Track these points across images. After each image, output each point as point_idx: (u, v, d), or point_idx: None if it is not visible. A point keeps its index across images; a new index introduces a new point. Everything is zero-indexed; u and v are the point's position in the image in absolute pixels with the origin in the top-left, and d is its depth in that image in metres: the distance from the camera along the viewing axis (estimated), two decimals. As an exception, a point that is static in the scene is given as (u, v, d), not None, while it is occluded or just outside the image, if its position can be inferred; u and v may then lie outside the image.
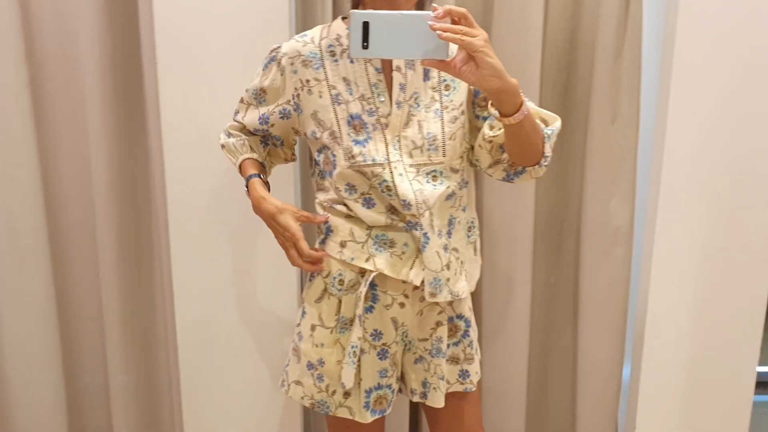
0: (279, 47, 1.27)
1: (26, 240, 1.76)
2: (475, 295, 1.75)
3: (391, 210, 1.23)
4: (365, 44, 1.02)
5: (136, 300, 1.82)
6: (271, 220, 1.25)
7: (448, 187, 1.23)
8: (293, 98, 1.26)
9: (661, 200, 1.61)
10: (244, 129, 1.36)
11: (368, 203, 1.23)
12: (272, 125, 1.31)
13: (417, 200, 1.20)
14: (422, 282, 1.23)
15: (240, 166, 1.33)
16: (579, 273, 1.74)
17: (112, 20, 1.63)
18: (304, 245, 1.23)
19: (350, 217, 1.25)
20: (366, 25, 1.01)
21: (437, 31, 0.98)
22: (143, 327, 1.84)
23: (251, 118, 1.32)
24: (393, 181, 1.19)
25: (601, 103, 1.62)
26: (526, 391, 1.81)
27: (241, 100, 1.34)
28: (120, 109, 1.69)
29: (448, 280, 1.25)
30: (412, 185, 1.20)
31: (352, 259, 1.24)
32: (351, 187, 1.23)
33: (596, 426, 1.80)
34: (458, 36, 0.99)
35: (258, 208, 1.27)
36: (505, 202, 1.68)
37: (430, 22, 0.99)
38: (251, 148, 1.34)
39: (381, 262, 1.23)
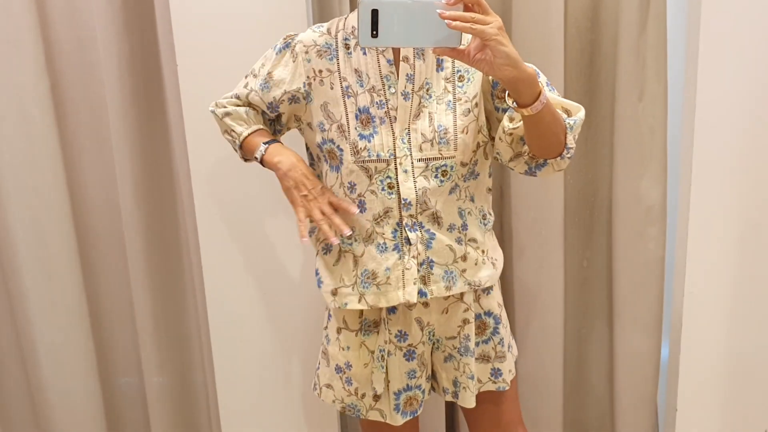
0: (294, 35, 1.24)
1: (55, 248, 1.77)
2: (507, 282, 1.74)
3: (378, 220, 1.20)
4: (374, 33, 0.98)
5: (167, 302, 1.83)
6: (303, 177, 1.21)
7: (453, 182, 1.20)
8: (304, 86, 1.22)
9: (695, 177, 1.58)
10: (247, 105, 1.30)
11: (360, 206, 1.20)
12: (282, 112, 1.27)
13: (419, 200, 1.17)
14: (420, 293, 1.22)
15: (248, 136, 1.27)
16: (612, 255, 1.71)
17: (128, 24, 1.63)
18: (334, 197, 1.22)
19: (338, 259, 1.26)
20: (375, 13, 0.98)
21: (446, 20, 0.95)
22: (176, 328, 1.85)
23: (257, 101, 1.28)
24: (396, 179, 1.17)
25: (627, 81, 1.58)
26: (563, 375, 1.79)
27: (246, 83, 1.29)
28: (142, 112, 1.70)
29: (463, 271, 1.22)
30: (416, 183, 1.17)
31: (346, 304, 1.24)
32: (352, 186, 1.20)
33: (636, 409, 1.77)
34: (468, 24, 0.95)
35: (290, 169, 1.21)
36: (534, 185, 1.66)
37: (439, 10, 0.96)
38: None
39: (371, 299, 1.22)
